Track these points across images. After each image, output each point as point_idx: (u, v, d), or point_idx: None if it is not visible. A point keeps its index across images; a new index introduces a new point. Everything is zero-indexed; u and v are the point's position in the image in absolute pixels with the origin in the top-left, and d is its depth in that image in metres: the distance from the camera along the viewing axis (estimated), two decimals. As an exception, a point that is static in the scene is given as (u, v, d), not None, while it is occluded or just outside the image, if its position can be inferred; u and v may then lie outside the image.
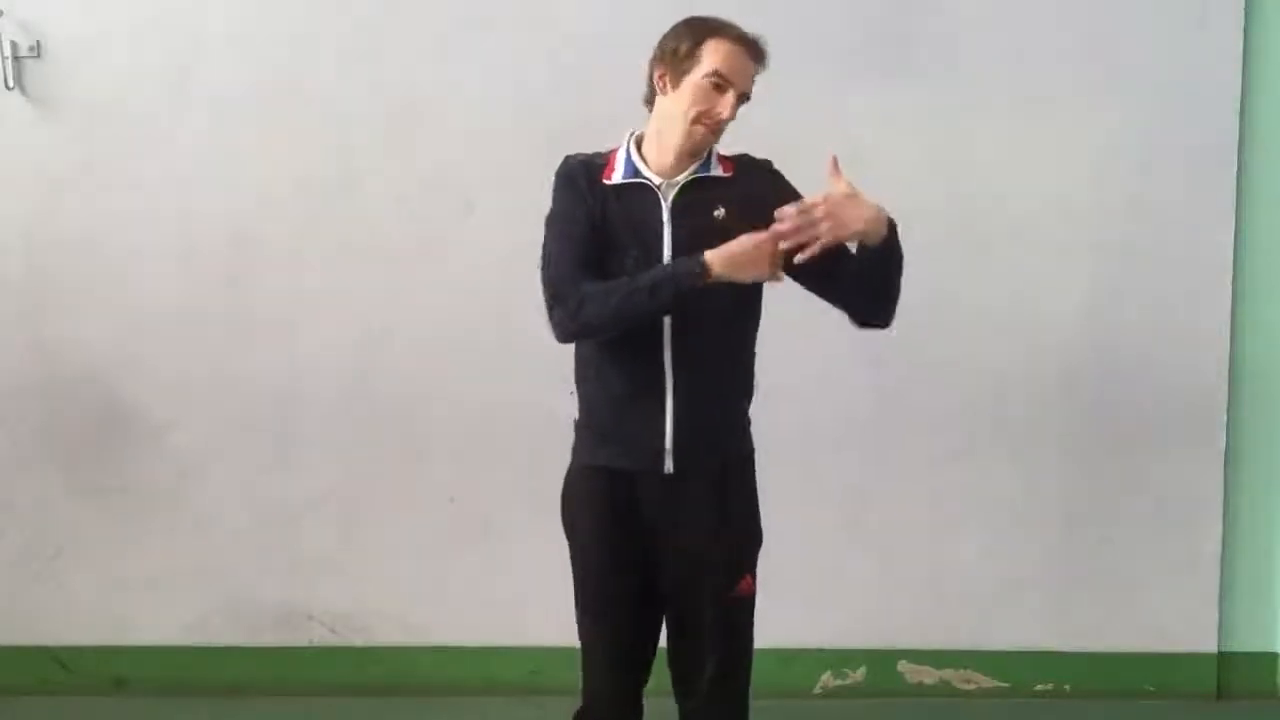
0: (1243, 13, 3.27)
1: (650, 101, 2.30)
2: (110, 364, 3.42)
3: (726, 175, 2.33)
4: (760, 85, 3.28)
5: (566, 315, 2.20)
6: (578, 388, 2.38)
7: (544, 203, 3.39)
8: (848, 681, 3.49)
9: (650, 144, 2.29)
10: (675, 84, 2.22)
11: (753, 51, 2.23)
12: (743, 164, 2.37)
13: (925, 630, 3.47)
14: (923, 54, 3.31)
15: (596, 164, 2.31)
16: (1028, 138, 3.32)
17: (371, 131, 3.35)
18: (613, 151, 2.33)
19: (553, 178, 2.38)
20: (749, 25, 3.26)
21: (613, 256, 2.24)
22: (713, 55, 2.19)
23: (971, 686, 3.49)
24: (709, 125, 2.23)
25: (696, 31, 2.21)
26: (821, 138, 3.33)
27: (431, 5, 3.32)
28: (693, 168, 2.28)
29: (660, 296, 2.16)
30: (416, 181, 3.36)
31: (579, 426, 2.39)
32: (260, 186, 3.37)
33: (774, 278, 2.21)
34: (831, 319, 3.38)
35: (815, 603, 3.45)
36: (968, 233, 3.35)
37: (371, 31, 3.33)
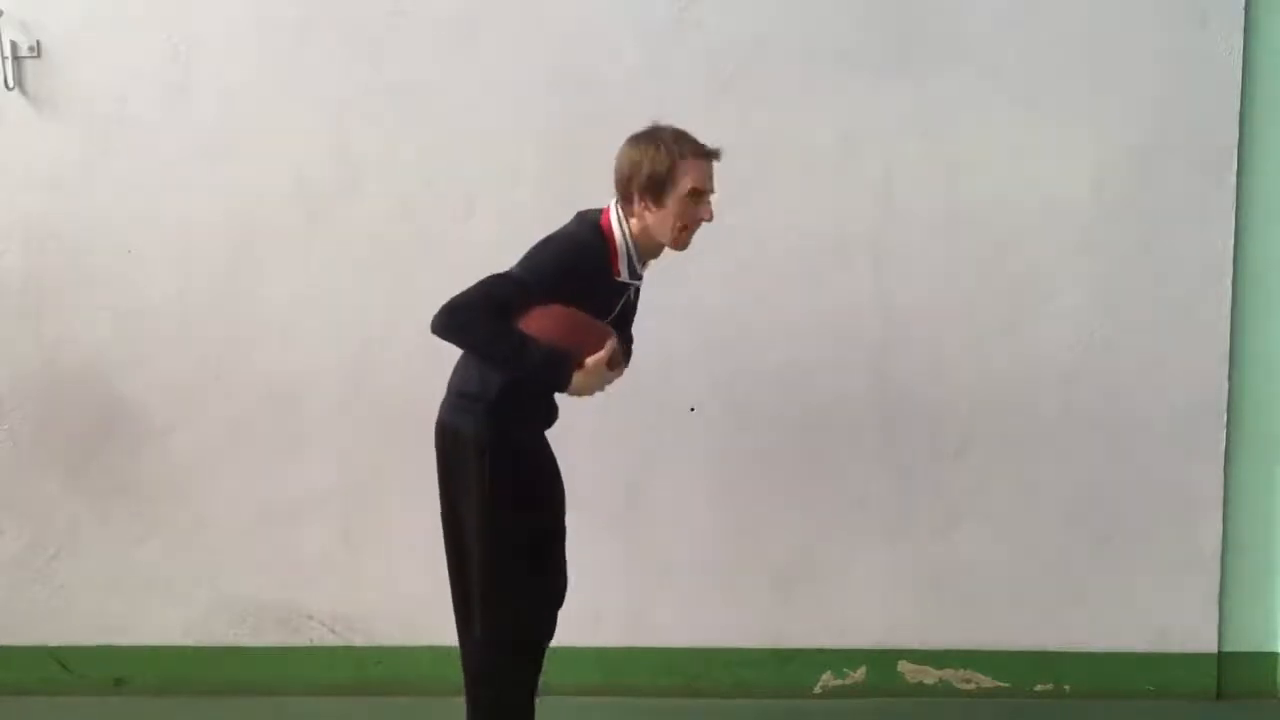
0: (1243, 13, 3.27)
1: (624, 206, 2.54)
2: (110, 364, 3.42)
3: None
4: (761, 85, 3.32)
5: (458, 321, 2.46)
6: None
7: (544, 202, 3.41)
8: (848, 681, 3.49)
9: (642, 243, 2.55)
10: (658, 204, 2.50)
11: (713, 158, 2.54)
12: None
13: (925, 630, 3.47)
14: (923, 54, 3.31)
15: (605, 256, 2.52)
16: (1028, 137, 3.32)
17: (371, 131, 3.35)
18: (605, 235, 2.53)
19: (561, 235, 2.53)
20: (752, 27, 3.31)
21: None
22: (688, 174, 2.49)
23: (971, 686, 3.49)
24: (693, 230, 2.55)
25: (668, 154, 2.48)
26: (822, 137, 3.36)
27: (431, 6, 3.32)
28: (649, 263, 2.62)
29: (522, 369, 2.46)
30: (416, 181, 3.36)
31: (499, 403, 2.54)
32: (260, 186, 3.37)
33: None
34: (832, 319, 3.40)
35: (815, 603, 3.45)
36: (968, 232, 3.35)
37: (371, 32, 3.33)
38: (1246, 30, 3.27)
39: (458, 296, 2.47)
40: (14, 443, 3.46)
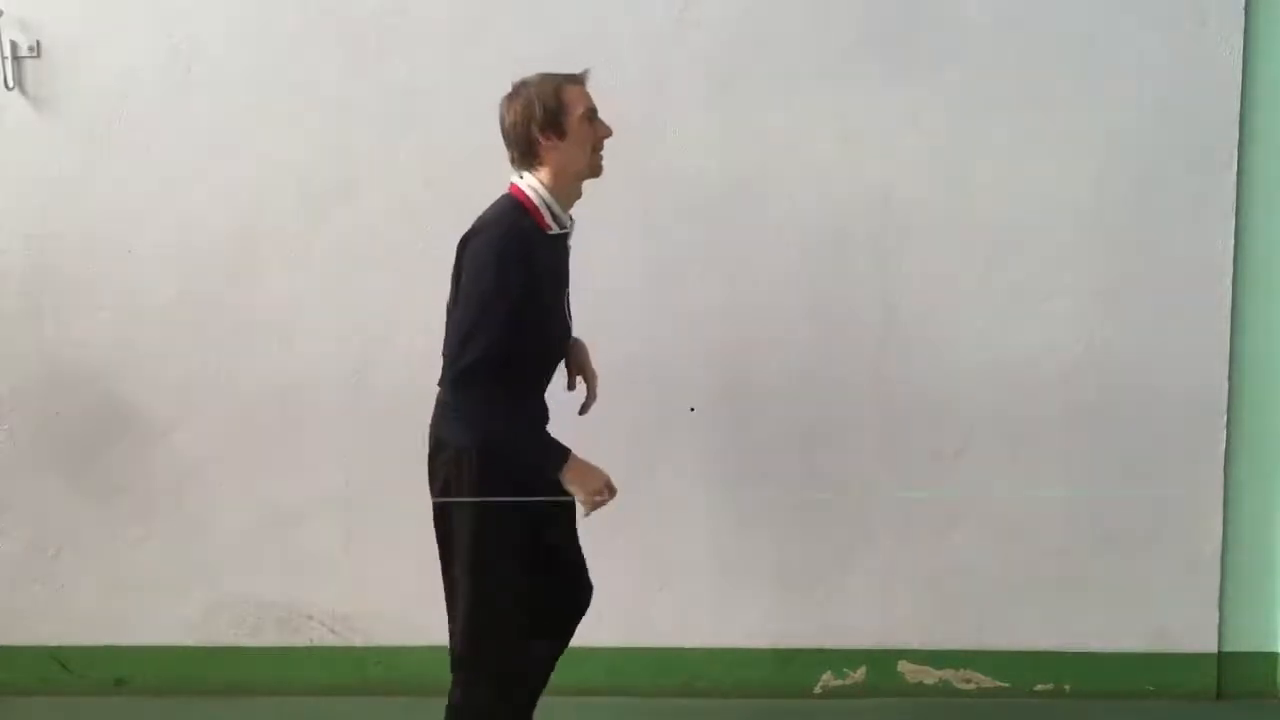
0: (1243, 13, 3.27)
1: (527, 160, 2.54)
2: (110, 364, 3.42)
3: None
4: (761, 85, 3.31)
5: (465, 399, 2.44)
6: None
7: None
8: (848, 681, 3.49)
9: (558, 191, 2.55)
10: (560, 134, 2.52)
11: (583, 80, 2.59)
12: None
13: (925, 630, 3.47)
14: (923, 54, 3.31)
15: (529, 221, 2.51)
16: (1029, 137, 3.32)
17: (371, 131, 3.35)
18: (524, 202, 2.53)
19: (491, 230, 2.49)
20: (753, 25, 3.31)
21: (534, 302, 2.46)
22: (574, 98, 2.54)
23: (971, 686, 3.49)
24: (600, 149, 2.59)
25: (549, 86, 2.52)
26: (823, 137, 3.36)
27: (432, 6, 3.32)
28: (571, 211, 2.61)
29: (519, 463, 2.49)
30: (416, 181, 3.36)
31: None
32: (260, 186, 3.37)
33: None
34: (832, 319, 3.40)
35: (815, 603, 3.46)
36: (968, 232, 3.35)
37: (371, 32, 3.33)
38: (1246, 30, 3.27)
39: (458, 360, 2.41)
40: (14, 443, 3.46)
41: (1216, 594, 3.44)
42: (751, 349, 3.39)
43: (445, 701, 2.57)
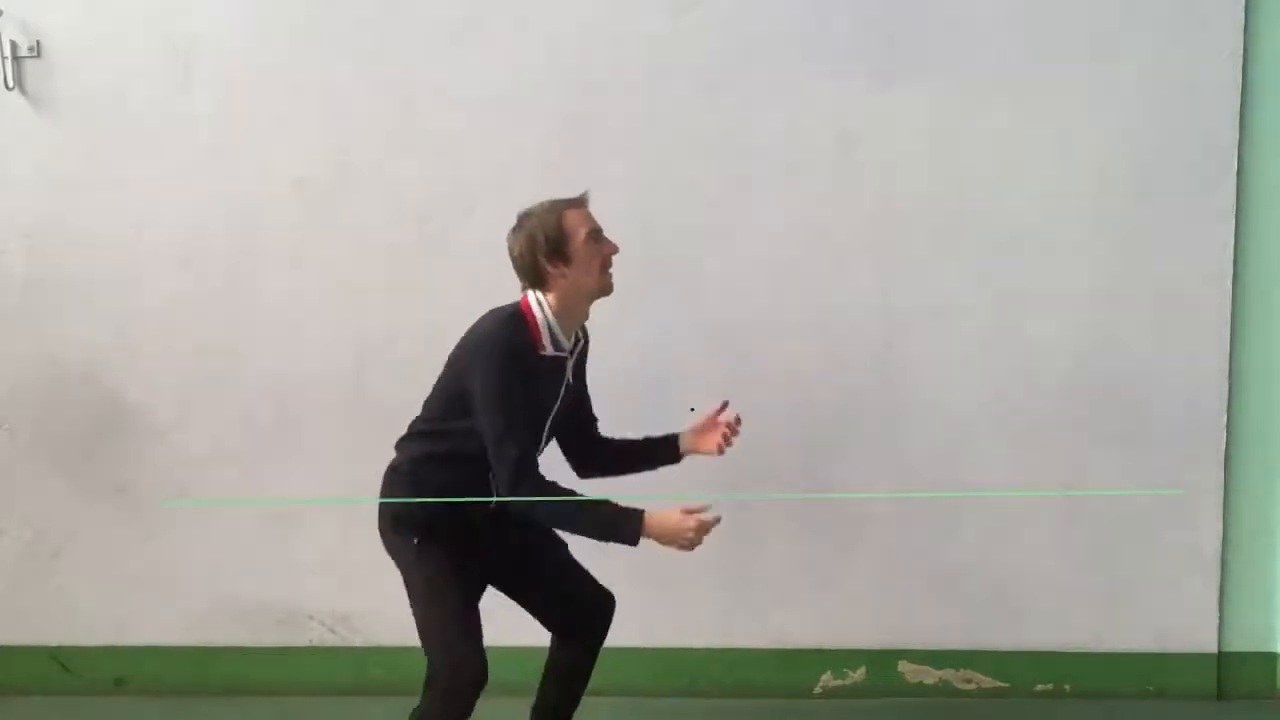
0: (1243, 13, 3.27)
1: (537, 286, 2.58)
2: (110, 364, 3.42)
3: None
4: (761, 85, 3.31)
5: (524, 488, 2.48)
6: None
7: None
8: (848, 681, 3.49)
9: (564, 315, 2.59)
10: (566, 260, 2.55)
11: (584, 203, 2.62)
12: None
13: (925, 630, 3.47)
14: (923, 54, 3.31)
15: (526, 339, 2.55)
16: (1028, 137, 3.32)
17: (371, 131, 3.35)
18: (528, 319, 2.56)
19: (488, 347, 2.52)
20: (749, 27, 3.31)
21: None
22: (576, 223, 2.56)
23: (971, 686, 3.49)
24: (609, 266, 2.61)
25: (551, 215, 2.56)
26: (822, 137, 3.36)
27: (431, 5, 3.32)
28: (577, 333, 2.66)
29: (591, 532, 2.53)
30: (417, 181, 3.36)
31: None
32: (260, 186, 3.37)
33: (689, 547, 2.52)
34: (832, 319, 3.40)
35: (815, 603, 3.45)
36: (968, 232, 3.35)
37: (371, 32, 3.33)
38: (1246, 32, 3.27)
39: (513, 473, 2.48)
40: (14, 443, 3.46)
41: (1216, 594, 3.44)
42: (751, 349, 3.39)
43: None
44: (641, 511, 2.48)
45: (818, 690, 3.50)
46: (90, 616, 3.49)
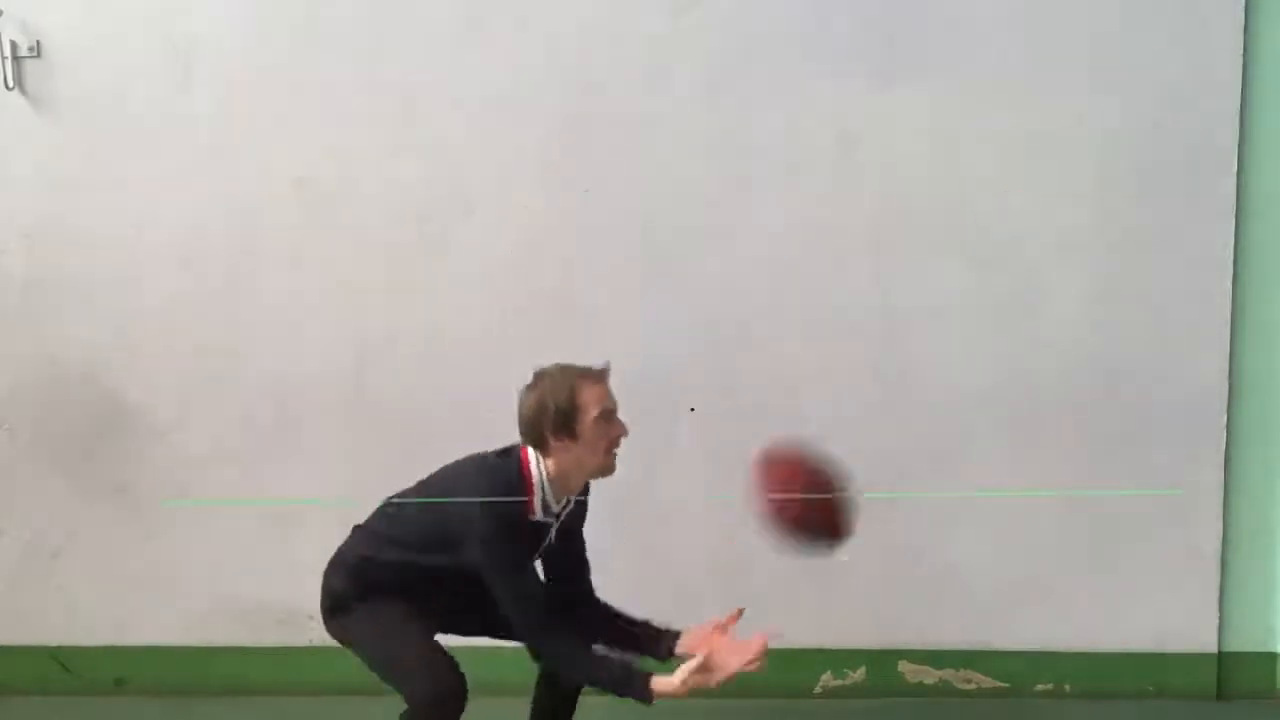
0: (1243, 13, 3.27)
1: (537, 445, 2.50)
2: (110, 364, 3.42)
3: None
4: (761, 85, 3.31)
5: (547, 647, 2.52)
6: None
7: (544, 202, 3.40)
8: (848, 681, 3.49)
9: (560, 483, 2.52)
10: (573, 436, 2.46)
11: (604, 378, 2.52)
12: None
13: (925, 630, 3.47)
14: (923, 54, 3.30)
15: (520, 506, 2.48)
16: (1028, 137, 3.32)
17: (371, 131, 3.35)
18: (526, 481, 2.49)
19: (486, 520, 2.46)
20: (749, 27, 3.30)
21: None
22: (590, 399, 2.46)
23: (971, 686, 3.49)
24: (616, 450, 2.52)
25: (565, 387, 2.46)
26: (822, 137, 3.36)
27: (431, 5, 3.32)
28: (570, 497, 2.59)
29: (602, 684, 2.48)
30: (416, 181, 3.36)
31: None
32: (260, 186, 3.37)
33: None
34: (832, 319, 3.40)
35: (815, 603, 3.45)
36: (968, 232, 3.35)
37: (371, 32, 3.33)
38: (1246, 30, 3.27)
39: (538, 630, 2.50)
40: (14, 443, 3.46)
41: (1216, 594, 3.44)
42: (751, 349, 3.39)
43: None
44: (649, 675, 2.44)
45: (818, 690, 3.50)
46: (90, 616, 3.49)
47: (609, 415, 2.48)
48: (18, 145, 3.37)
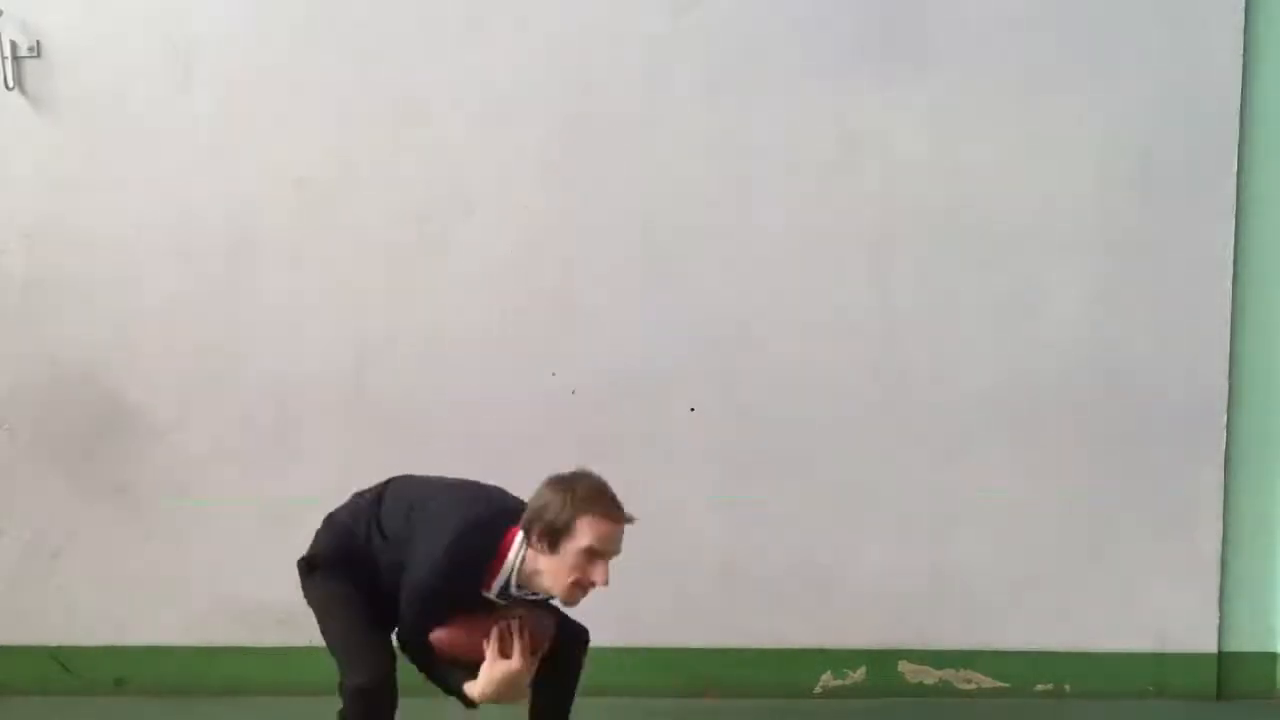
0: (1243, 13, 3.27)
1: (526, 534, 2.46)
2: (110, 364, 3.42)
3: None
4: (761, 85, 3.31)
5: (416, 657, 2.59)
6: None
7: (544, 202, 3.41)
8: (848, 681, 3.49)
9: (524, 578, 2.48)
10: (553, 549, 2.40)
11: (622, 520, 2.43)
12: None
13: (925, 630, 3.47)
14: (923, 54, 3.31)
15: (478, 577, 2.48)
16: (1028, 137, 3.33)
17: (372, 131, 3.35)
18: (500, 555, 2.48)
19: (443, 571, 2.47)
20: (749, 27, 3.30)
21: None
22: (588, 532, 2.38)
23: (971, 686, 3.49)
24: (585, 590, 2.44)
25: (573, 506, 2.39)
26: (822, 137, 3.36)
27: (431, 5, 3.32)
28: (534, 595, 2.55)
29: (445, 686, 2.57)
30: (417, 181, 3.36)
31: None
32: (260, 186, 3.37)
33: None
34: (832, 319, 3.40)
35: (815, 603, 3.45)
36: (968, 232, 3.35)
37: (371, 32, 3.33)
38: (1246, 30, 3.27)
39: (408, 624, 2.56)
40: (14, 443, 3.46)
41: (1216, 594, 3.44)
42: (751, 349, 3.39)
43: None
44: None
45: (818, 690, 3.50)
46: (90, 616, 3.49)
47: (595, 555, 2.40)
48: (18, 145, 3.37)
